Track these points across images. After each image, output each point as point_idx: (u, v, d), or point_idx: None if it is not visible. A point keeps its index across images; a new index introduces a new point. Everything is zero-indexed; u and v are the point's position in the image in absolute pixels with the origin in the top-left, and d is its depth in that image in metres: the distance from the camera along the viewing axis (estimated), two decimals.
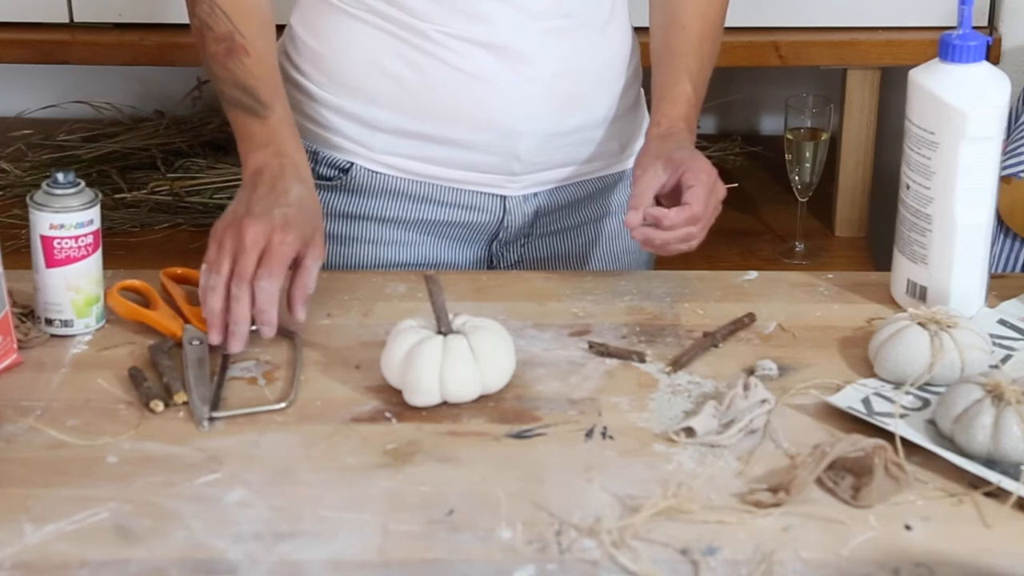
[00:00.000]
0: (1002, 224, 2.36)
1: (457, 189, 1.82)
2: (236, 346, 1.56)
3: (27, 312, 1.64)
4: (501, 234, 1.87)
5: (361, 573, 1.29)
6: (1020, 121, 2.41)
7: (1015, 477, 1.37)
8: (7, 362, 1.57)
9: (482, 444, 1.45)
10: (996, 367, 1.56)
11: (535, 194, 1.85)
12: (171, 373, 1.54)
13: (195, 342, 1.58)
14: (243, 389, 1.54)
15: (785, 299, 1.71)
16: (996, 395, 1.42)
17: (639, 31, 1.89)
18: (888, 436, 1.42)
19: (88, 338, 1.63)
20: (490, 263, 1.90)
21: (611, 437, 1.46)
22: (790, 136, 2.55)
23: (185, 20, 1.74)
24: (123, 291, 1.67)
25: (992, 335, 1.60)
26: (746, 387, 1.49)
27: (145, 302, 1.66)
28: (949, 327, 1.54)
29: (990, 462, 1.40)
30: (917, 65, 1.62)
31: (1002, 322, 1.65)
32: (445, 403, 1.50)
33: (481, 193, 1.83)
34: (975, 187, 1.61)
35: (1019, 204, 2.35)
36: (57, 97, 2.94)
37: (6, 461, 1.42)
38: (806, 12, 2.61)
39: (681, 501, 1.35)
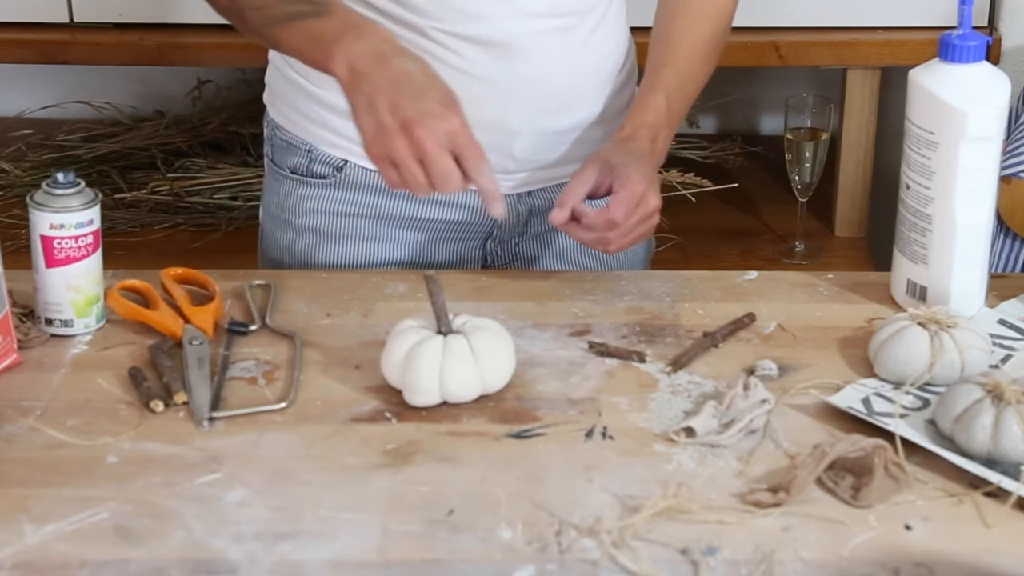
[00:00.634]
0: (1002, 224, 2.36)
1: None
2: (501, 206, 1.55)
3: (27, 312, 1.64)
4: (495, 232, 1.88)
5: (361, 573, 1.29)
6: (1020, 121, 2.41)
7: (1015, 477, 1.37)
8: (7, 362, 1.57)
9: (482, 444, 1.45)
10: (996, 367, 1.56)
11: (529, 192, 1.85)
12: (171, 373, 1.54)
13: (195, 342, 1.58)
14: (243, 389, 1.54)
15: (785, 299, 1.71)
16: (996, 395, 1.42)
17: (635, 31, 1.89)
18: (888, 436, 1.42)
19: (88, 338, 1.63)
20: (484, 261, 1.90)
21: (611, 437, 1.46)
22: (790, 136, 2.55)
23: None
24: (123, 291, 1.67)
25: (992, 335, 1.60)
26: (746, 387, 1.49)
27: (145, 302, 1.67)
28: (949, 327, 1.54)
29: (990, 462, 1.40)
30: (917, 65, 1.62)
31: (1002, 322, 1.65)
32: (445, 403, 1.50)
33: (476, 191, 1.83)
34: (975, 187, 1.61)
35: (1019, 204, 2.35)
36: (57, 97, 2.95)
37: (6, 461, 1.42)
38: (806, 12, 2.61)
39: (681, 501, 1.35)
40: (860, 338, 1.62)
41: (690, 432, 1.45)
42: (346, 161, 1.83)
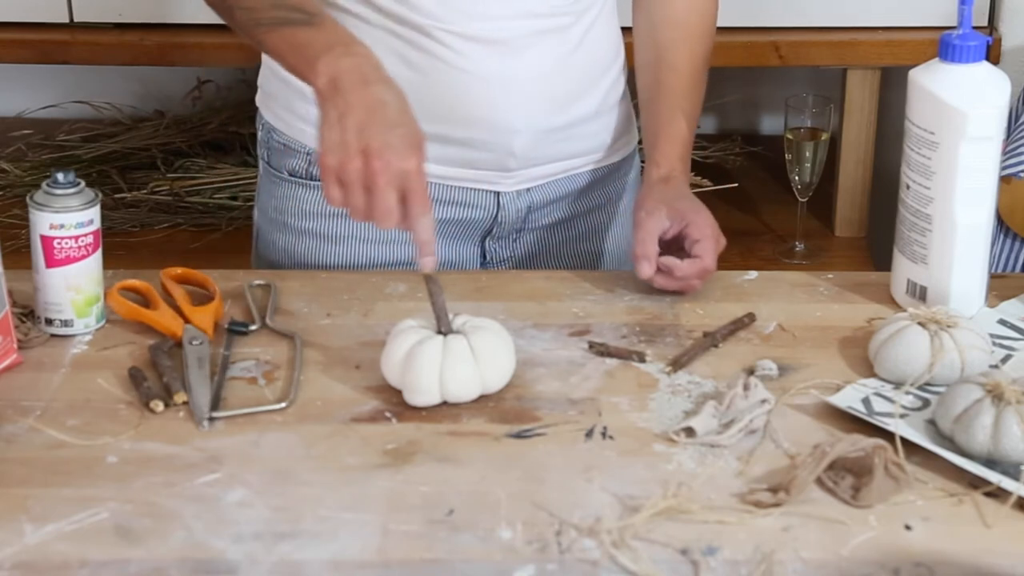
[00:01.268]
0: (1002, 224, 2.36)
1: (452, 186, 1.83)
2: (432, 262, 1.53)
3: (27, 312, 1.64)
4: (495, 230, 1.88)
5: (361, 573, 1.29)
6: (1020, 121, 2.41)
7: (1015, 477, 1.37)
8: (7, 362, 1.57)
9: (482, 444, 1.45)
10: (996, 367, 1.56)
11: (528, 189, 1.86)
12: (171, 373, 1.54)
13: (195, 342, 1.58)
14: (243, 389, 1.54)
15: (785, 299, 1.71)
16: (996, 395, 1.42)
17: (624, 31, 1.91)
18: (888, 436, 1.42)
19: (88, 338, 1.63)
20: (483, 258, 1.91)
21: (611, 437, 1.46)
22: (790, 136, 2.55)
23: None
24: (123, 291, 1.67)
25: (992, 335, 1.60)
26: (746, 387, 1.49)
27: (145, 302, 1.67)
28: (949, 327, 1.54)
29: (990, 462, 1.40)
30: (917, 65, 1.62)
31: (1002, 322, 1.65)
32: (445, 403, 1.50)
33: (476, 190, 1.84)
34: (975, 187, 1.61)
35: (1019, 204, 2.35)
36: (57, 97, 2.95)
37: (6, 461, 1.42)
38: (806, 12, 2.61)
39: (681, 501, 1.35)
40: (860, 338, 1.62)
41: (690, 432, 1.45)
42: None
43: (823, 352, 1.60)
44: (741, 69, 2.79)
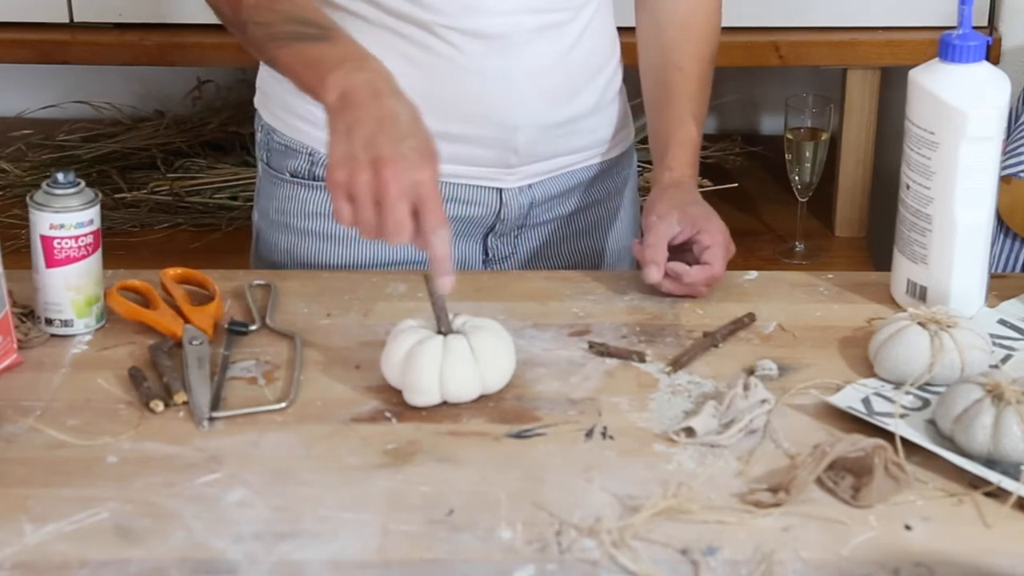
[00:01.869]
0: (1002, 224, 2.36)
1: (454, 184, 1.83)
2: (449, 281, 1.47)
3: (27, 312, 1.64)
4: (497, 226, 1.88)
5: (361, 573, 1.29)
6: (1020, 121, 2.41)
7: (1015, 477, 1.37)
8: (7, 362, 1.57)
9: (482, 444, 1.45)
10: (996, 367, 1.56)
11: (530, 185, 1.87)
12: (171, 373, 1.54)
13: (195, 342, 1.58)
14: (243, 389, 1.54)
15: (785, 299, 1.71)
16: (996, 395, 1.42)
17: (620, 31, 1.91)
18: (888, 436, 1.42)
19: (88, 338, 1.63)
20: (485, 255, 1.91)
21: (611, 437, 1.46)
22: (790, 136, 2.55)
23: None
24: (123, 291, 1.67)
25: (992, 335, 1.60)
26: (746, 387, 1.49)
27: (145, 302, 1.67)
28: (949, 327, 1.54)
29: (990, 462, 1.40)
30: (917, 65, 1.62)
31: (1002, 322, 1.65)
32: (445, 403, 1.50)
33: (478, 187, 1.84)
34: (975, 187, 1.61)
35: (1019, 204, 2.35)
36: (57, 97, 2.95)
37: (6, 461, 1.42)
38: (806, 12, 2.61)
39: (681, 501, 1.35)
40: (860, 338, 1.62)
41: (690, 432, 1.45)
42: None
43: (823, 352, 1.60)
44: (741, 69, 2.79)
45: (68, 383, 1.55)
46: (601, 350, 1.60)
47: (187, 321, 1.62)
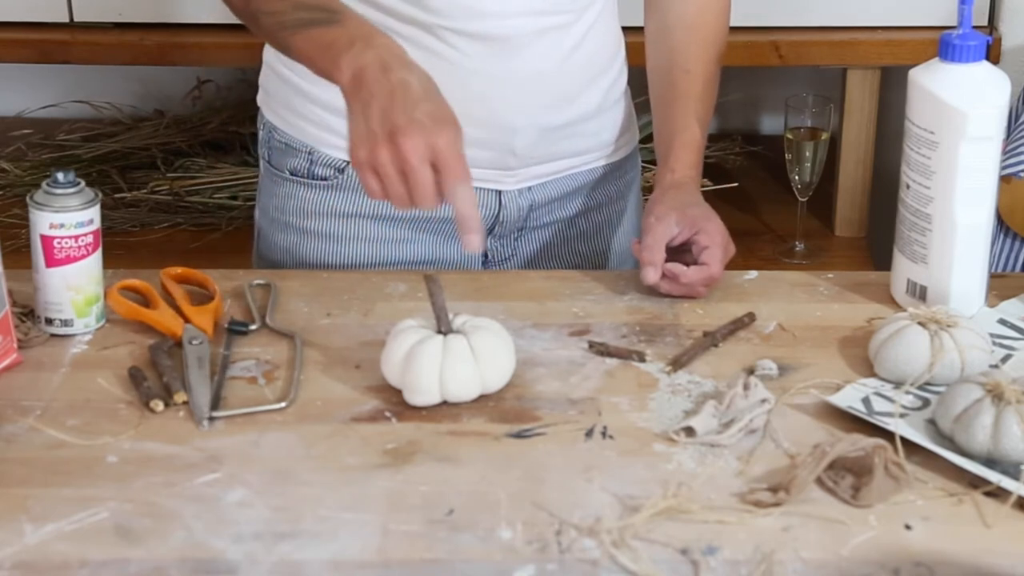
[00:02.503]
0: (1002, 224, 2.36)
1: None
2: (477, 239, 1.48)
3: (27, 312, 1.64)
4: (496, 228, 1.88)
5: (361, 573, 1.29)
6: (1020, 121, 2.41)
7: (1015, 477, 1.37)
8: (7, 362, 1.57)
9: (482, 444, 1.45)
10: (996, 367, 1.56)
11: (530, 188, 1.86)
12: (171, 373, 1.54)
13: (195, 342, 1.58)
14: (243, 389, 1.54)
15: (785, 299, 1.71)
16: (996, 395, 1.42)
17: (627, 30, 1.91)
18: (888, 436, 1.42)
19: (88, 338, 1.63)
20: (485, 257, 1.91)
21: (611, 437, 1.46)
22: (790, 136, 2.55)
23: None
24: (123, 291, 1.67)
25: (992, 335, 1.60)
26: (746, 387, 1.49)
27: (145, 302, 1.67)
28: (949, 327, 1.54)
29: (990, 462, 1.40)
30: (917, 65, 1.62)
31: (1002, 322, 1.65)
32: (445, 403, 1.50)
33: (477, 188, 1.83)
34: (975, 187, 1.61)
35: (1019, 204, 2.35)
36: (57, 97, 2.95)
37: (6, 461, 1.42)
38: (806, 12, 2.61)
39: (681, 501, 1.35)
40: (860, 338, 1.62)
41: (690, 432, 1.45)
42: (347, 162, 1.83)
43: (823, 352, 1.60)
44: (741, 69, 2.79)
45: (68, 383, 1.55)
46: (601, 350, 1.60)
47: (187, 321, 1.62)
